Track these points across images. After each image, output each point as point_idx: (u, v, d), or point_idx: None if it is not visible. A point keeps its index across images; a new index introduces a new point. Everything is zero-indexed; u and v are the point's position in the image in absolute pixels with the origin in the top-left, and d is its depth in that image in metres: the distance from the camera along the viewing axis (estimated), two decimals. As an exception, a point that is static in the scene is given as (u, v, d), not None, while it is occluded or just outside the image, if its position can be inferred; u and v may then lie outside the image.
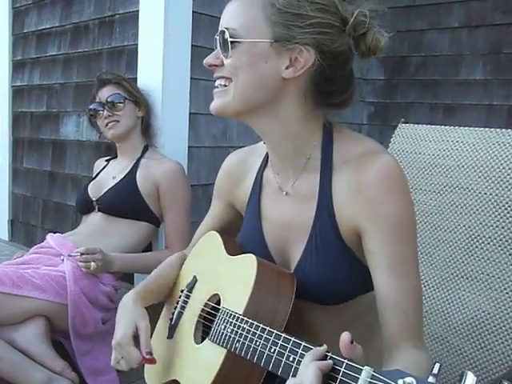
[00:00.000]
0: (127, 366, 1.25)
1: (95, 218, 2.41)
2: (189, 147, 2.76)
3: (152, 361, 1.25)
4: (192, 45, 2.70)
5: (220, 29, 1.14)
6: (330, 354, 0.86)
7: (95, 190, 2.46)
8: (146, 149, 2.53)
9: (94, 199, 2.43)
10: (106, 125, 2.44)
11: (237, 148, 2.83)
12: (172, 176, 2.41)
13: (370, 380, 0.78)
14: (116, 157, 2.60)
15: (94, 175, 2.64)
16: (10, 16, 3.81)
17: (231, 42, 1.10)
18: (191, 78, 2.73)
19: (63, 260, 2.22)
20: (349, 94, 1.20)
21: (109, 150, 2.83)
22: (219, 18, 2.80)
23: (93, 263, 2.12)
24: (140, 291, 1.36)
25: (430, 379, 0.73)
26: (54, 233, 2.44)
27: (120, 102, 2.45)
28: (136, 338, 1.27)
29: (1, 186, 3.96)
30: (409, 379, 0.74)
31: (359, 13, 1.11)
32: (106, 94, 2.45)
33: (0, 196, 3.98)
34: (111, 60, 3.05)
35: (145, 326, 1.27)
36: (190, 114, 2.74)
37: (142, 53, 2.74)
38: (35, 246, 2.40)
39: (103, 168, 2.60)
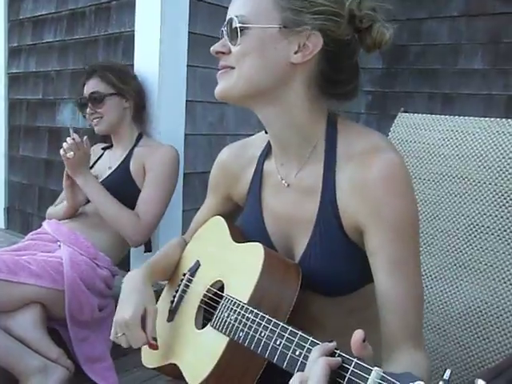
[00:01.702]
0: (127, 344, 1.24)
1: (91, 208, 2.40)
2: (185, 135, 2.75)
3: (154, 346, 1.25)
4: (189, 32, 2.69)
5: (228, 18, 1.14)
6: (338, 352, 0.85)
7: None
8: (140, 137, 2.51)
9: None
10: (92, 120, 2.45)
11: (233, 135, 2.87)
12: (159, 156, 2.39)
13: (379, 381, 0.77)
14: (112, 145, 2.58)
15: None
16: (6, 2, 3.78)
17: (240, 29, 1.11)
18: (188, 66, 2.71)
19: (60, 246, 2.22)
20: (353, 85, 1.20)
21: (105, 137, 2.81)
22: (217, 5, 2.79)
23: (71, 152, 2.17)
24: (148, 269, 1.36)
25: None
26: (51, 219, 2.43)
27: (100, 100, 2.42)
28: (142, 320, 1.25)
29: (-3, 174, 3.95)
30: (419, 383, 0.72)
31: (365, 6, 1.13)
32: (89, 88, 2.43)
33: (-4, 184, 3.97)
34: (108, 47, 3.03)
35: (153, 310, 1.26)
36: (186, 101, 2.73)
37: (138, 40, 2.72)
38: (31, 233, 2.40)
39: (99, 157, 2.59)
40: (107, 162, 2.51)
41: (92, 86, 2.43)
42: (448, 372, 0.72)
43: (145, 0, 2.67)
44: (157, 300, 1.36)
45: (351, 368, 0.81)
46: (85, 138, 2.27)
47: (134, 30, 2.75)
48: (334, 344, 0.87)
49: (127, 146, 2.48)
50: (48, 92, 3.53)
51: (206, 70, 2.75)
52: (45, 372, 1.93)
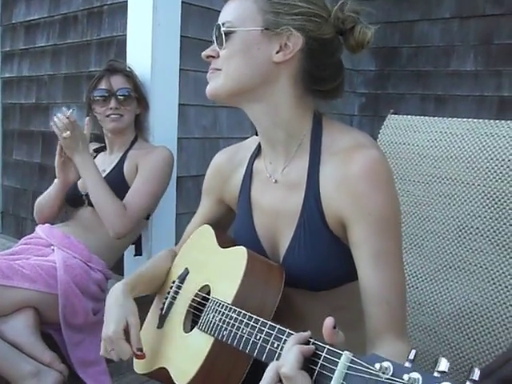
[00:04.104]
0: (117, 358, 1.28)
1: (85, 212, 2.39)
2: (178, 138, 2.75)
3: (142, 356, 1.27)
4: (181, 35, 2.69)
5: (216, 24, 1.21)
6: (312, 340, 0.88)
7: (85, 184, 2.44)
8: (135, 140, 2.51)
9: (83, 193, 2.40)
10: (108, 115, 2.41)
11: (226, 139, 2.88)
12: (153, 155, 2.39)
13: (349, 364, 0.81)
14: (105, 147, 2.57)
15: None
16: (-1, 6, 3.79)
17: (226, 33, 1.18)
18: (180, 69, 2.72)
19: (53, 250, 2.22)
20: (338, 82, 1.25)
21: (98, 137, 2.80)
22: (209, 9, 2.80)
23: (68, 132, 2.14)
24: (131, 281, 1.37)
25: (406, 364, 0.76)
26: (44, 224, 2.43)
27: (129, 98, 2.43)
28: (126, 332, 1.28)
29: (-9, 179, 3.95)
30: (386, 363, 0.76)
31: (347, 8, 1.19)
32: (117, 83, 2.41)
33: (-10, 188, 3.97)
34: (100, 51, 3.03)
35: (135, 321, 1.29)
36: (179, 105, 2.74)
37: (130, 44, 2.72)
38: (24, 237, 2.39)
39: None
40: (101, 166, 2.49)
41: (121, 82, 2.42)
42: (413, 352, 0.77)
43: (137, 4, 2.68)
44: (140, 306, 1.38)
45: (323, 354, 0.85)
46: (86, 119, 2.27)
47: (126, 34, 2.75)
48: (308, 333, 0.90)
49: (122, 149, 2.48)
50: (41, 96, 3.53)
51: (199, 73, 2.75)
52: (38, 376, 1.93)
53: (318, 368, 0.85)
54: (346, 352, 0.82)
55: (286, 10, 1.16)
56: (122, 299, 1.31)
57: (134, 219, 2.28)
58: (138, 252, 2.51)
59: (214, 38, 1.21)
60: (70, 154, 2.23)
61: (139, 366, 1.38)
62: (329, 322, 0.86)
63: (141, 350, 1.27)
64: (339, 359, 0.82)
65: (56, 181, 2.41)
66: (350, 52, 1.22)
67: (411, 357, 0.76)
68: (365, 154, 1.13)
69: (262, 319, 1.02)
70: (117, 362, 1.31)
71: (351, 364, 0.80)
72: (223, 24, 1.18)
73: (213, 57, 1.22)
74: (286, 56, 1.17)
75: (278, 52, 1.17)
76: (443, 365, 0.73)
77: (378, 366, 0.76)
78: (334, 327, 0.86)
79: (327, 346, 0.85)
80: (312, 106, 1.24)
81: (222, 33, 1.18)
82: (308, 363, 0.86)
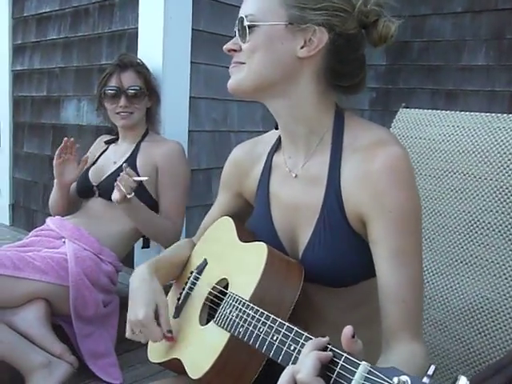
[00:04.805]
0: (145, 340, 1.27)
1: (95, 203, 2.41)
2: (189, 131, 2.76)
3: (171, 339, 1.26)
4: (192, 29, 2.69)
5: (238, 17, 1.19)
6: (330, 346, 0.87)
7: (96, 175, 2.45)
8: (146, 132, 2.52)
9: (94, 184, 2.42)
10: (118, 113, 2.42)
11: (237, 132, 2.88)
12: (170, 156, 2.41)
13: (366, 375, 0.79)
14: (117, 139, 2.58)
15: (94, 156, 2.60)
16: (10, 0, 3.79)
17: (249, 27, 1.16)
18: (191, 62, 2.72)
19: (64, 242, 2.23)
20: (360, 78, 1.23)
21: (110, 130, 2.81)
22: (220, 2, 2.80)
23: (133, 194, 2.12)
24: (153, 263, 1.36)
25: (425, 380, 0.74)
26: (54, 217, 2.44)
27: (140, 96, 2.43)
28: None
29: (1, 171, 3.96)
30: (404, 377, 0.74)
31: (371, 1, 1.17)
32: (127, 81, 2.42)
33: (1, 181, 3.99)
34: (111, 44, 3.04)
35: (164, 304, 1.27)
36: (190, 98, 2.74)
37: (142, 37, 2.73)
38: (35, 229, 2.41)
39: (103, 152, 2.58)
40: (112, 157, 2.51)
41: (130, 79, 2.43)
42: (432, 367, 0.75)
43: (148, -3, 2.68)
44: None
45: (341, 362, 0.83)
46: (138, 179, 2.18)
47: (137, 27, 2.76)
48: (326, 339, 0.88)
49: (133, 140, 2.49)
50: (52, 89, 3.55)
51: (210, 66, 2.75)
52: (49, 367, 1.94)
53: (334, 376, 0.83)
54: (364, 362, 0.80)
55: (310, 5, 1.14)
56: (149, 280, 1.29)
57: (179, 231, 2.39)
58: (146, 245, 2.52)
59: (237, 31, 1.19)
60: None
61: (153, 355, 1.38)
62: (347, 331, 0.84)
63: (171, 332, 1.26)
64: (357, 369, 0.80)
65: (55, 181, 2.45)
66: (372, 46, 1.20)
67: (430, 372, 0.74)
68: (387, 151, 1.12)
69: (279, 320, 1.01)
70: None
71: (368, 375, 0.79)
72: (246, 16, 1.16)
73: (234, 50, 1.20)
74: (310, 52, 1.15)
75: (302, 47, 1.15)
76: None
77: (396, 380, 0.75)
78: (353, 336, 0.84)
79: (345, 354, 0.84)
80: (334, 102, 1.23)
81: (246, 26, 1.16)
82: (325, 370, 0.85)
